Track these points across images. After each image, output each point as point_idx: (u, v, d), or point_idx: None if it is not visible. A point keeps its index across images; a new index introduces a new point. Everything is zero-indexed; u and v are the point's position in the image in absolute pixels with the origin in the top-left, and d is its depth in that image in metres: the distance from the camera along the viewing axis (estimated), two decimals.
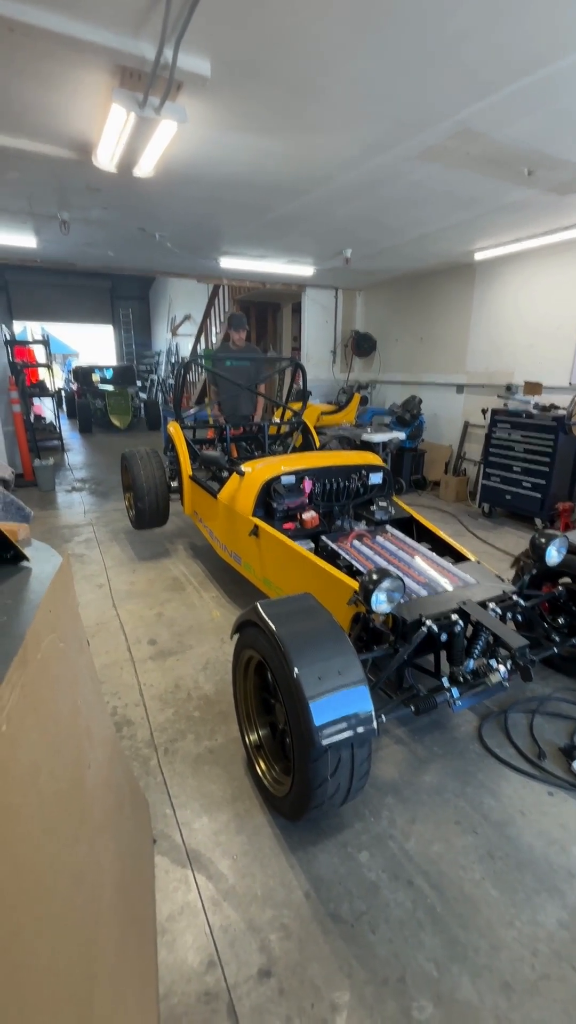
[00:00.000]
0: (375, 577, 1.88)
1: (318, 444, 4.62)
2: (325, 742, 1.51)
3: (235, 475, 3.23)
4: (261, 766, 1.95)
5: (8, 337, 10.42)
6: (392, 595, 1.91)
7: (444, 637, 2.01)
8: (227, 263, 6.06)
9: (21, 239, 5.08)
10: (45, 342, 8.87)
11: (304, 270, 6.51)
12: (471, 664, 2.05)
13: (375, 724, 1.58)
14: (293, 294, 8.17)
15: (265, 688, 1.99)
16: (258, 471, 3.06)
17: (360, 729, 1.56)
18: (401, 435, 6.06)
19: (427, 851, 1.73)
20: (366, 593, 1.88)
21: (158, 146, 2.68)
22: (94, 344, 19.35)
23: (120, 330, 17.81)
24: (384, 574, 1.88)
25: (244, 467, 3.19)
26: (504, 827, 1.82)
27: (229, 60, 2.13)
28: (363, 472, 3.21)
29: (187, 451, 4.09)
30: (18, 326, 15.68)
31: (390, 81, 2.29)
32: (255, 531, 2.91)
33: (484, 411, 5.56)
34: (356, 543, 2.72)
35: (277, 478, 2.98)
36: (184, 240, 5.16)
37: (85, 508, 5.74)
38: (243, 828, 1.81)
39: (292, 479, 3.01)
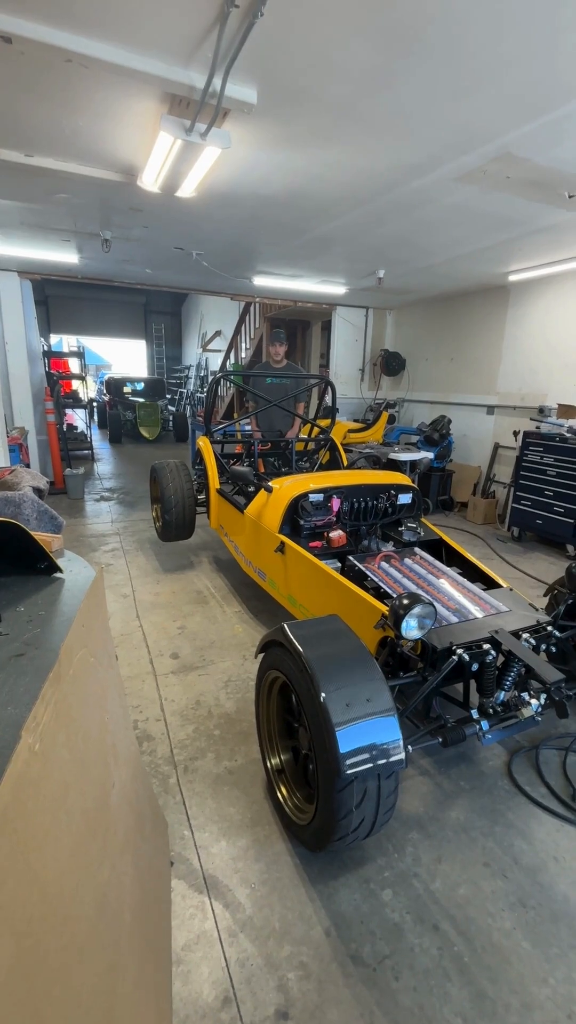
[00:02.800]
0: (406, 602, 1.84)
1: (345, 462, 4.60)
2: (351, 772, 1.46)
3: (263, 491, 3.22)
4: (282, 792, 1.90)
5: (46, 349, 10.78)
6: (423, 621, 1.86)
7: (475, 667, 1.94)
8: (260, 282, 6.16)
9: (64, 256, 5.26)
10: (80, 354, 9.14)
11: (336, 289, 6.57)
12: (502, 696, 1.98)
13: (403, 755, 1.53)
14: (323, 312, 8.25)
15: (289, 711, 1.95)
16: (286, 488, 3.06)
17: (388, 760, 1.51)
18: (430, 455, 6.00)
19: (454, 894, 1.65)
20: (396, 618, 1.84)
21: (201, 169, 2.75)
22: (126, 356, 19.87)
23: (152, 344, 18.22)
24: (416, 599, 1.84)
25: (272, 483, 3.19)
26: (536, 873, 1.72)
27: (275, 87, 2.18)
28: (392, 492, 3.17)
29: (215, 465, 4.12)
30: (54, 338, 16.23)
31: (433, 106, 2.31)
32: (281, 548, 2.89)
33: (516, 433, 5.47)
34: (384, 564, 2.67)
35: (305, 495, 2.96)
36: (219, 259, 5.27)
37: (112, 517, 5.82)
38: (262, 855, 1.76)
39: (320, 497, 2.99)
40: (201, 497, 4.33)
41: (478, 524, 6.05)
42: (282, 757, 1.96)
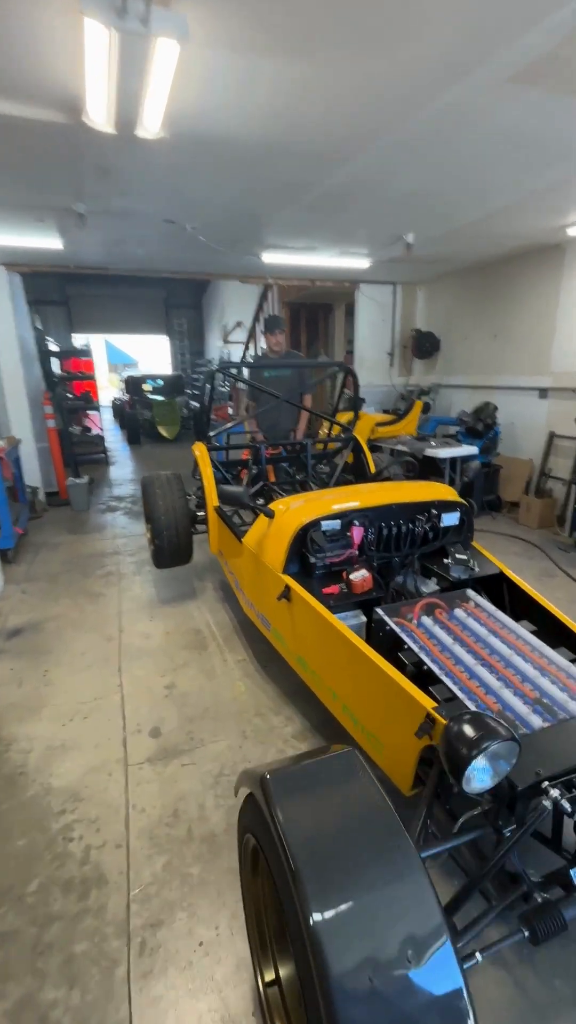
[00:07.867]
0: (471, 733, 1.10)
1: (373, 468, 3.82)
2: None
3: (262, 516, 2.51)
4: None
5: (57, 349, 10.35)
6: (500, 765, 1.12)
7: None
8: (270, 258, 5.41)
9: (45, 240, 4.66)
10: (87, 353, 8.64)
11: (358, 263, 5.75)
12: None
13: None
14: (346, 292, 7.40)
15: None
16: (292, 512, 2.34)
17: None
18: (473, 449, 5.14)
19: None
20: (456, 761, 1.11)
21: (160, 86, 2.03)
22: (152, 353, 19.56)
23: (175, 339, 17.82)
24: (487, 729, 1.10)
25: (275, 505, 2.48)
26: None
27: None
28: (434, 511, 2.40)
29: (213, 476, 3.43)
30: (81, 339, 15.90)
31: None
32: (286, 593, 2.18)
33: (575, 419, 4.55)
34: (426, 621, 1.92)
35: (316, 523, 2.23)
36: (219, 232, 4.54)
37: (115, 532, 5.25)
38: None
39: (337, 524, 2.26)
40: (201, 514, 3.66)
41: (532, 528, 5.16)
42: (280, 970, 1.26)
